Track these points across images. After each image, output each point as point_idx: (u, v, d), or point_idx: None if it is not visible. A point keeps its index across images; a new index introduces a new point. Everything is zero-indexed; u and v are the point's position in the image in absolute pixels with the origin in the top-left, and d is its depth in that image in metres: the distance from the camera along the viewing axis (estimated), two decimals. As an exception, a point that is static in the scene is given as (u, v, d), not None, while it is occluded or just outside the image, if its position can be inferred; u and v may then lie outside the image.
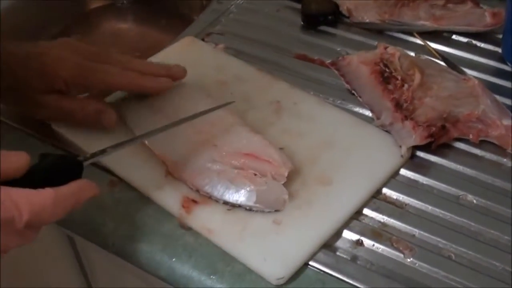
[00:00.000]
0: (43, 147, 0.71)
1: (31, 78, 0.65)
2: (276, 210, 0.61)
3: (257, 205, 0.61)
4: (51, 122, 0.71)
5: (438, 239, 0.60)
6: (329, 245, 0.60)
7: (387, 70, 0.74)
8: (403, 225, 0.62)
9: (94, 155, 0.57)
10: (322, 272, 0.58)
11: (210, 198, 0.62)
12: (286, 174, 0.62)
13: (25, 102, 0.67)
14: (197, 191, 0.63)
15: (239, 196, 0.61)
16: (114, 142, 0.68)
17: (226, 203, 0.62)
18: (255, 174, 0.62)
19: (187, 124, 0.66)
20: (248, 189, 0.61)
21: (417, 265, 0.58)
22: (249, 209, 0.61)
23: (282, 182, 0.62)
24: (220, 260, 0.59)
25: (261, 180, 0.61)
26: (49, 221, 0.50)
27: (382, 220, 0.62)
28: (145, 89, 0.69)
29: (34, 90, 0.66)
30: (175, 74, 0.71)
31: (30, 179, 0.50)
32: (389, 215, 0.63)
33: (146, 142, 0.67)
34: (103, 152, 0.58)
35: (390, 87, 0.73)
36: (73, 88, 0.67)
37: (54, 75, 0.65)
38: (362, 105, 0.74)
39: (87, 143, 0.69)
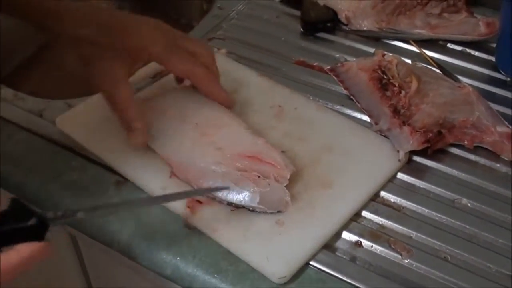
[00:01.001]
0: (48, 147, 0.72)
1: (130, 47, 0.67)
2: (278, 211, 0.63)
3: (260, 206, 0.62)
4: (92, 89, 0.70)
5: (435, 241, 0.62)
6: (329, 245, 0.62)
7: (385, 77, 0.76)
8: (401, 227, 0.64)
9: (65, 215, 0.55)
10: (322, 272, 0.60)
11: (214, 199, 0.64)
12: (288, 176, 0.64)
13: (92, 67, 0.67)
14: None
15: (243, 197, 0.63)
16: (119, 144, 0.69)
17: (230, 203, 0.63)
18: (258, 176, 0.64)
19: (192, 126, 0.68)
20: (251, 190, 0.63)
21: (414, 266, 0.60)
22: (252, 210, 0.63)
23: (285, 184, 0.63)
24: (223, 259, 0.61)
25: (264, 182, 0.63)
26: None
27: (380, 222, 0.64)
28: (209, 93, 0.71)
29: (110, 57, 0.66)
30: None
31: None
32: (387, 218, 0.65)
33: (152, 145, 0.68)
34: (74, 214, 0.55)
35: (388, 93, 0.75)
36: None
37: (144, 49, 0.67)
38: (360, 111, 0.76)
39: (91, 143, 0.71)
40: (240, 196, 0.63)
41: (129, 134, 0.67)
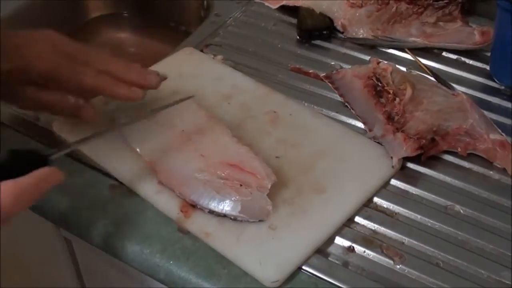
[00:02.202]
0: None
1: (12, 69, 0.63)
2: (260, 220, 0.63)
3: (242, 215, 0.62)
4: (34, 112, 0.74)
5: (427, 247, 0.63)
6: (322, 250, 0.62)
7: (379, 84, 0.77)
8: (393, 233, 0.64)
9: (60, 149, 0.59)
10: (315, 276, 0.60)
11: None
12: (269, 186, 0.63)
13: (7, 93, 0.66)
14: (184, 199, 0.64)
15: (224, 206, 0.63)
16: (114, 149, 0.70)
17: (211, 212, 0.63)
18: (241, 185, 0.63)
19: (178, 133, 0.68)
20: (233, 199, 0.63)
21: (406, 271, 0.61)
22: (234, 219, 0.63)
23: (266, 194, 0.63)
24: (217, 263, 0.61)
25: (246, 191, 0.63)
26: (11, 215, 0.50)
27: (373, 228, 0.65)
28: (117, 97, 0.67)
29: (14, 81, 0.64)
30: (148, 84, 0.68)
31: None
32: (380, 223, 0.65)
33: (138, 150, 0.68)
34: (66, 147, 0.61)
35: (382, 100, 0.75)
36: (51, 84, 0.66)
37: (31, 68, 0.64)
38: (355, 118, 0.76)
39: (87, 148, 0.71)
40: (221, 205, 0.63)
41: (79, 112, 0.67)
